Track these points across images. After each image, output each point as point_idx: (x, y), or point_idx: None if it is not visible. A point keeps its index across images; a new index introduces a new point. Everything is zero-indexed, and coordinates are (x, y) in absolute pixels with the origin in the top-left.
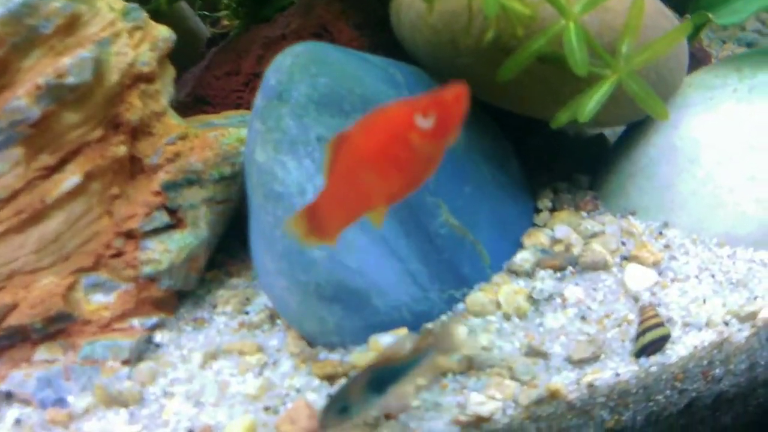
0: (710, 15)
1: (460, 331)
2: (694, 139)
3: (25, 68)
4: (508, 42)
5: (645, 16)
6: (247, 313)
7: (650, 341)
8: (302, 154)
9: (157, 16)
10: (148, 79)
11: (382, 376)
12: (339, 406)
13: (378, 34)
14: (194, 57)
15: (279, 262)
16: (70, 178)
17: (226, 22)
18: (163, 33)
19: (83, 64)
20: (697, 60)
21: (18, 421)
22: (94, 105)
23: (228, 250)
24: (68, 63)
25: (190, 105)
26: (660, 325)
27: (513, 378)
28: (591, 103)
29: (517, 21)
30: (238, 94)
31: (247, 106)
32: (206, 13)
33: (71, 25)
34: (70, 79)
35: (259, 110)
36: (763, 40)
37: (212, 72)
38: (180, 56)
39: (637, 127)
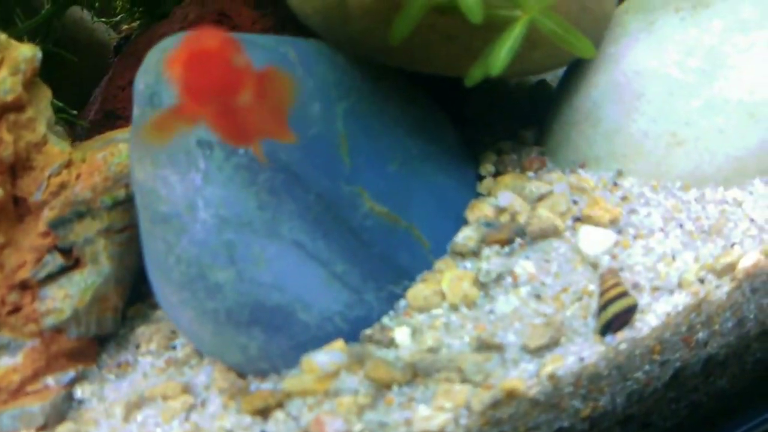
0: None
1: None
2: (638, 71)
3: None
4: None
5: None
6: (174, 347)
7: (615, 314)
8: (184, 165)
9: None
10: (16, 107)
11: None
12: None
13: (282, 11)
14: (97, 68)
15: (180, 292)
16: None
17: (125, 27)
18: (25, 53)
19: None
20: None
21: None
22: None
23: (144, 281)
24: None
25: (102, 122)
26: (624, 294)
27: (464, 381)
28: (502, 53)
29: None
30: (126, 107)
31: None
32: (103, 20)
33: None
34: None
35: (135, 120)
36: None
37: (116, 83)
38: (91, 71)
39: (576, 68)
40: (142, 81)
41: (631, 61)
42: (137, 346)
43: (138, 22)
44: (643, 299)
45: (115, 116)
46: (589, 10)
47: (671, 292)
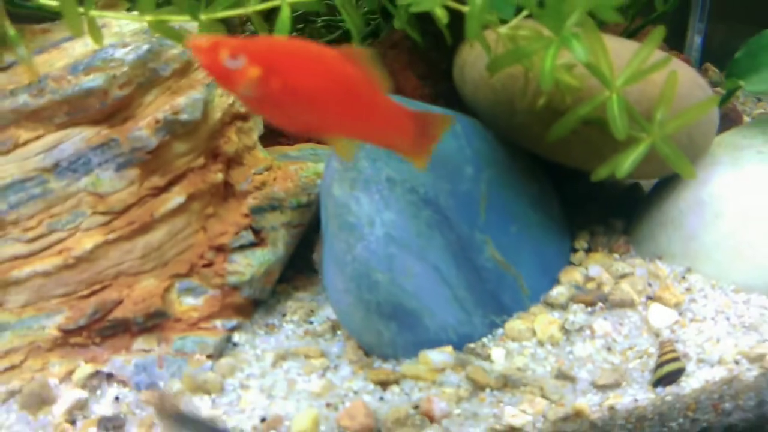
0: (741, 83)
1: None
2: (720, 195)
3: (146, 104)
4: (559, 106)
5: (680, 86)
6: (311, 323)
7: (667, 373)
8: (374, 191)
9: None
10: (243, 118)
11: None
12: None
13: (439, 83)
14: None
15: (348, 282)
16: (175, 198)
17: None
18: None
19: (195, 103)
20: (730, 120)
21: (117, 399)
22: (199, 138)
23: (296, 267)
24: (182, 102)
25: (265, 136)
26: (677, 359)
27: (543, 396)
28: (628, 162)
29: (566, 90)
30: None
31: (317, 140)
32: None
33: (185, 69)
34: (184, 116)
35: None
36: None
37: None
38: None
39: (670, 181)
40: None
41: (714, 185)
42: (283, 315)
43: None
44: (690, 367)
45: (281, 134)
46: (694, 141)
47: (712, 365)
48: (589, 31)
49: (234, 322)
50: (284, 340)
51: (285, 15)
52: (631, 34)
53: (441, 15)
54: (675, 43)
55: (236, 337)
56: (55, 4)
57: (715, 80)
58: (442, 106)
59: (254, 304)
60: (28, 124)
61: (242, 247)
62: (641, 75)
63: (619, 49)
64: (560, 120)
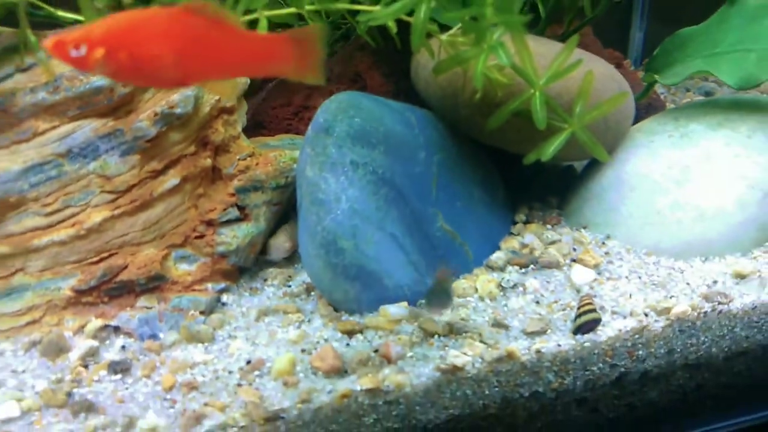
0: (656, 76)
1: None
2: (635, 172)
3: (145, 99)
4: (494, 99)
5: (597, 81)
6: (289, 286)
7: (585, 322)
8: (339, 173)
9: None
10: (229, 111)
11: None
12: (444, 293)
13: (401, 81)
14: (253, 89)
15: (318, 249)
16: (170, 180)
17: None
18: (243, 79)
19: (187, 99)
20: (654, 108)
21: (123, 348)
22: (191, 129)
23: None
24: (177, 98)
25: (250, 128)
26: (593, 311)
27: (482, 341)
28: (551, 148)
29: (498, 87)
30: (288, 122)
31: (295, 131)
32: None
33: None
34: (178, 110)
35: (310, 139)
36: (719, 89)
37: (269, 103)
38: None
39: (596, 162)
40: (322, 116)
41: (632, 165)
42: (265, 280)
43: None
44: (605, 318)
45: (262, 126)
46: (611, 128)
47: (624, 317)
48: (517, 39)
49: (222, 285)
50: (266, 300)
51: (263, 26)
52: (570, 34)
53: (392, 26)
54: (620, 40)
55: (224, 298)
56: (71, 15)
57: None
58: (402, 100)
59: (240, 271)
60: (46, 116)
61: (229, 222)
62: (560, 75)
63: (546, 52)
64: (495, 112)
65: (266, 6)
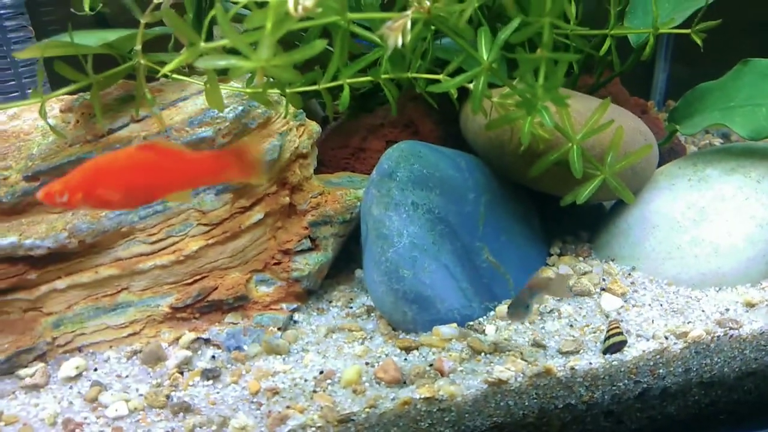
0: (677, 126)
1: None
2: (657, 212)
3: None
4: (536, 150)
5: (626, 133)
6: (351, 307)
7: (613, 343)
8: (402, 212)
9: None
10: (304, 156)
11: (534, 293)
12: (523, 305)
13: (450, 127)
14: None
15: (382, 276)
16: (256, 215)
17: (339, 110)
18: (315, 128)
19: (274, 148)
20: (675, 152)
21: (213, 357)
22: (274, 171)
23: (338, 267)
24: (266, 147)
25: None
26: (621, 333)
27: (522, 358)
28: (585, 192)
29: (540, 140)
30: (346, 161)
31: (352, 169)
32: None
33: (266, 123)
34: (266, 157)
35: (375, 182)
36: (734, 132)
37: (329, 144)
38: None
39: (622, 202)
40: (386, 162)
41: (655, 205)
42: (329, 301)
43: (348, 111)
44: (631, 340)
45: (322, 164)
46: (637, 173)
47: (647, 339)
48: (558, 103)
49: (294, 305)
50: (332, 319)
51: (346, 93)
52: (600, 85)
53: (453, 93)
54: (644, 80)
55: (296, 316)
56: (187, 79)
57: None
58: (450, 144)
59: (308, 293)
60: None
61: (302, 251)
62: (594, 132)
63: (582, 108)
64: (537, 162)
65: (349, 75)
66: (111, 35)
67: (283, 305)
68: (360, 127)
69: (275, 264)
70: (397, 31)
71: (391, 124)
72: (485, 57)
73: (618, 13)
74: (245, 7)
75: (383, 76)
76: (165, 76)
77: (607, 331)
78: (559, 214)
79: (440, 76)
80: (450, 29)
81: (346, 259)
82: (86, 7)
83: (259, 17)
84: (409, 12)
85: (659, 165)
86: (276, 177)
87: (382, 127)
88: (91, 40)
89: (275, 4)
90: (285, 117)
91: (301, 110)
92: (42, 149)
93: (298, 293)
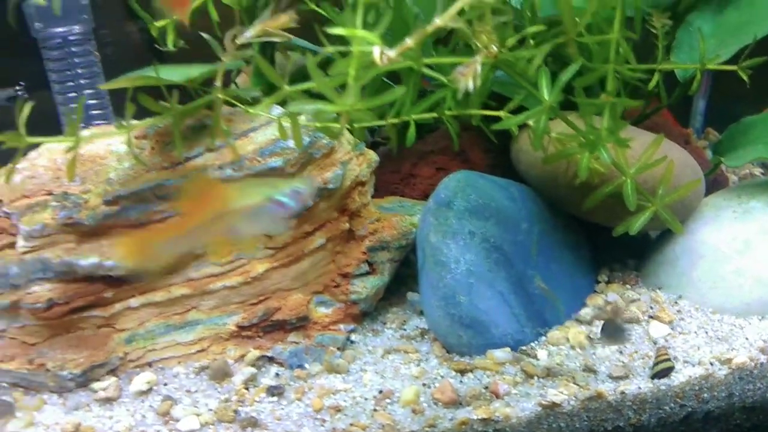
0: (722, 159)
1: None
2: (704, 243)
3: (304, 176)
4: (590, 183)
5: (675, 167)
6: (404, 329)
7: (661, 369)
8: (459, 240)
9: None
10: (362, 184)
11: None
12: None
13: (499, 156)
14: None
15: (439, 301)
16: (318, 240)
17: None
18: (374, 157)
19: (337, 177)
20: (718, 183)
21: (277, 375)
22: (335, 199)
23: (391, 290)
24: (330, 176)
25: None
26: (668, 360)
27: (575, 383)
28: (638, 223)
29: (596, 174)
30: (395, 186)
31: (401, 194)
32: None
33: (329, 153)
34: (330, 185)
35: (432, 210)
36: None
37: (379, 169)
38: None
39: (669, 232)
40: (443, 192)
41: (701, 236)
42: (384, 323)
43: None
44: (678, 366)
45: (377, 189)
46: (685, 206)
47: (693, 366)
48: (621, 144)
49: (351, 326)
50: (387, 340)
51: (412, 130)
52: (647, 116)
53: (514, 130)
54: (683, 109)
55: (353, 337)
56: (261, 113)
57: (713, 141)
58: (499, 173)
59: (364, 315)
60: None
61: (360, 275)
62: (648, 167)
63: (635, 146)
64: (592, 194)
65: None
66: (194, 71)
67: (341, 326)
68: (410, 154)
69: (334, 287)
70: (468, 76)
71: (441, 151)
72: (546, 97)
73: (664, 48)
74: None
75: (447, 113)
76: (231, 104)
77: (656, 357)
78: (606, 242)
79: (501, 113)
80: (515, 72)
81: (397, 282)
82: (170, 44)
83: (342, 65)
84: (479, 57)
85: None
86: (336, 204)
87: (432, 154)
88: (175, 75)
89: (359, 53)
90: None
91: (362, 142)
92: (120, 174)
93: (354, 315)
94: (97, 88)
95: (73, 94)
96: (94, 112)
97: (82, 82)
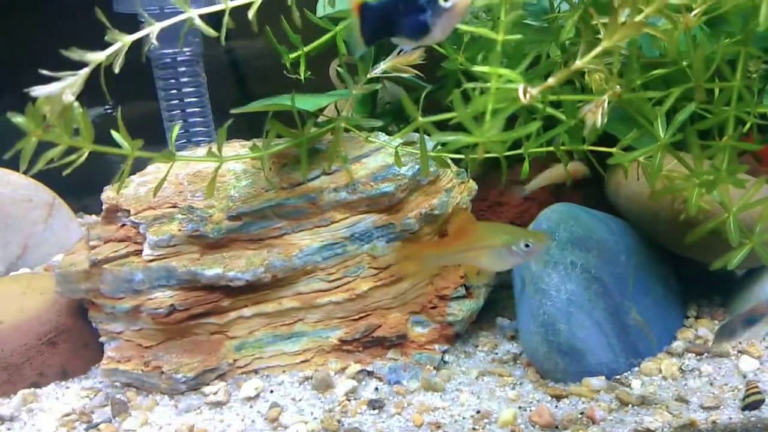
0: None
1: None
2: None
3: (411, 201)
4: (691, 220)
5: None
6: (496, 353)
7: (753, 401)
8: (561, 270)
9: None
10: (463, 210)
11: (753, 318)
12: (746, 320)
13: (590, 188)
14: None
15: (538, 328)
16: None
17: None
18: (474, 186)
19: (443, 204)
20: None
21: (376, 389)
22: (437, 223)
23: (480, 313)
24: (436, 202)
25: None
26: (759, 393)
27: (668, 411)
28: (736, 258)
29: (699, 211)
30: (482, 212)
31: (487, 219)
32: None
33: (435, 181)
34: (436, 211)
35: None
36: None
37: None
38: None
39: (756, 270)
40: (545, 222)
41: None
42: (476, 346)
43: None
44: None
45: None
46: None
47: None
48: (738, 185)
49: (445, 347)
50: (479, 362)
51: (526, 165)
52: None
53: (627, 168)
54: None
55: (446, 357)
56: (376, 141)
57: None
58: (591, 206)
59: (457, 336)
60: (342, 210)
61: (457, 298)
62: (750, 206)
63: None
64: (694, 230)
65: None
66: (323, 100)
67: (436, 346)
68: (499, 181)
69: (431, 308)
70: (597, 114)
71: (525, 182)
72: (662, 135)
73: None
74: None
75: (562, 148)
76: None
77: (746, 390)
78: (693, 277)
79: (614, 150)
80: (633, 109)
81: (487, 307)
82: (302, 75)
83: (481, 102)
84: (605, 97)
85: None
86: (438, 228)
87: (521, 183)
88: (308, 104)
89: (496, 90)
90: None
91: (463, 170)
92: (241, 192)
93: (448, 336)
94: (203, 108)
95: (178, 112)
96: (198, 129)
97: (189, 100)
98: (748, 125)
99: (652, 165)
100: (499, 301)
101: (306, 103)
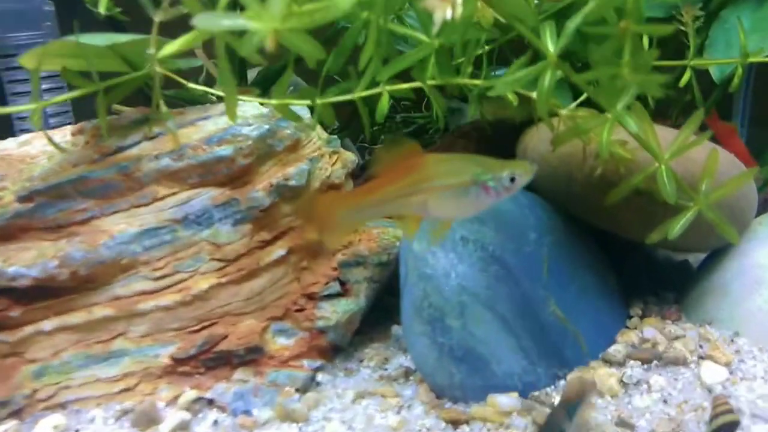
0: None
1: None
2: (759, 264)
3: (262, 171)
4: (612, 177)
5: (719, 165)
6: (386, 369)
7: (723, 424)
8: (449, 249)
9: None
10: (337, 187)
11: (571, 409)
12: (558, 429)
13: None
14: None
15: (424, 326)
16: (278, 251)
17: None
18: (351, 157)
19: (302, 173)
20: None
21: (215, 422)
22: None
23: (371, 321)
24: (292, 171)
25: None
26: (731, 412)
27: None
28: (678, 225)
29: (620, 162)
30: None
31: None
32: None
33: (295, 146)
34: (292, 182)
35: None
36: None
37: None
38: None
39: (716, 255)
40: None
41: (755, 258)
42: (360, 361)
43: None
44: (745, 421)
45: None
46: (736, 217)
47: (765, 421)
48: (638, 112)
49: (318, 363)
50: (362, 381)
51: (384, 100)
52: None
53: (512, 99)
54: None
55: (319, 377)
56: (212, 91)
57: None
58: None
59: (335, 350)
60: (167, 182)
61: (329, 296)
62: (686, 148)
63: (666, 135)
64: (615, 188)
65: (389, 81)
66: (122, 37)
67: (305, 362)
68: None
69: (297, 310)
70: (447, 1)
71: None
72: (551, 48)
73: (696, 48)
74: None
75: (429, 82)
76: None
77: (713, 409)
78: (636, 270)
79: (495, 82)
80: (511, 16)
81: (382, 314)
82: (102, 9)
83: None
84: None
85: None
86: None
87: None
88: (99, 40)
89: None
90: (315, 135)
91: (336, 137)
92: (44, 171)
93: (322, 348)
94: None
95: None
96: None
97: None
98: (686, 77)
99: (541, 87)
100: (395, 305)
101: (98, 39)
